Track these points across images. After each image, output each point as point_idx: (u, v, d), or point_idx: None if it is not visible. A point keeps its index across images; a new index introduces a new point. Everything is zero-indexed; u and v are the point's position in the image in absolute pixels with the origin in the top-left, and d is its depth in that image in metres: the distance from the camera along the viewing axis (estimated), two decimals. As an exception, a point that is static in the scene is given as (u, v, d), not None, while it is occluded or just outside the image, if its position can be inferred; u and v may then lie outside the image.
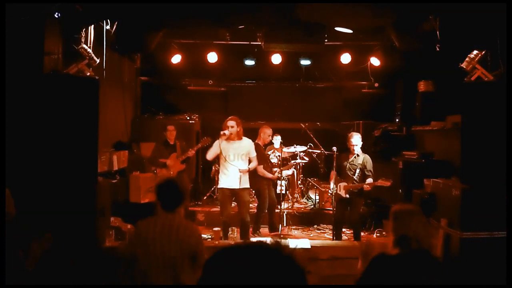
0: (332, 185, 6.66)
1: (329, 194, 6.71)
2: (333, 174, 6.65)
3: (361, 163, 6.44)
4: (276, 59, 9.07)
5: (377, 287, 2.70)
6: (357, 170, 6.43)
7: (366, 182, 6.31)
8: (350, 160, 6.49)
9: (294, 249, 1.17)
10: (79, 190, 4.86)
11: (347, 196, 6.46)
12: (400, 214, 2.88)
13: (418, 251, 2.73)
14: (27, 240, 3.58)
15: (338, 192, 6.55)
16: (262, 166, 7.11)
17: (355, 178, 6.44)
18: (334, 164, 6.65)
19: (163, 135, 7.42)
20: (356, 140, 6.44)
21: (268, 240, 1.17)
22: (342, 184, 6.47)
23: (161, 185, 3.37)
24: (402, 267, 2.68)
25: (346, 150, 6.64)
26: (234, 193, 6.30)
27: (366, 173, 6.41)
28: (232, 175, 6.19)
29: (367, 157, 6.53)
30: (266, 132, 7.39)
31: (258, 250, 1.12)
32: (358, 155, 6.47)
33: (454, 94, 6.14)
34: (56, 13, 4.88)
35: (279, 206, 7.21)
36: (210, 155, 6.42)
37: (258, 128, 7.70)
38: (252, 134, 7.95)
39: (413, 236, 2.75)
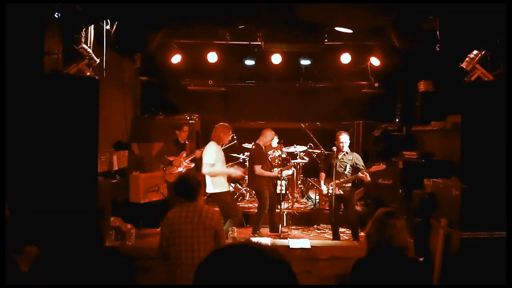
0: (323, 186, 6.84)
1: (329, 194, 6.74)
2: (322, 175, 6.92)
3: (351, 159, 6.70)
4: (276, 59, 9.06)
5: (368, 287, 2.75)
6: (348, 166, 6.67)
7: (360, 172, 6.54)
8: (339, 157, 6.69)
9: (276, 246, 1.21)
10: (79, 190, 4.86)
11: (341, 192, 6.65)
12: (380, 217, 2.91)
13: (391, 250, 2.77)
14: (22, 242, 3.58)
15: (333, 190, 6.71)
16: (260, 166, 7.12)
17: (346, 174, 6.65)
18: (321, 165, 7.01)
19: (167, 135, 7.57)
20: (344, 137, 6.70)
21: (247, 240, 1.20)
22: (334, 182, 6.62)
23: (178, 183, 4.01)
24: (378, 267, 2.75)
25: (330, 150, 7.00)
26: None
27: (360, 168, 6.66)
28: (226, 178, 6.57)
29: (356, 154, 6.89)
30: (269, 135, 7.40)
31: (242, 252, 1.14)
32: (347, 153, 6.73)
33: (454, 94, 6.14)
34: (56, 13, 4.88)
35: (279, 206, 7.21)
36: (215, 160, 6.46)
37: (258, 128, 7.71)
38: (252, 134, 7.97)
39: (389, 237, 2.78)
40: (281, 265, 1.13)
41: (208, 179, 6.35)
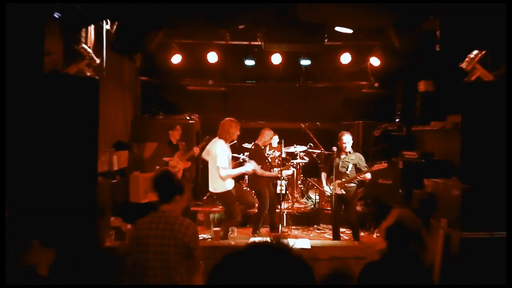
0: (325, 187, 6.83)
1: (329, 194, 6.75)
2: (324, 175, 6.95)
3: (354, 159, 6.70)
4: (276, 59, 9.07)
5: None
6: (350, 166, 6.67)
7: (362, 173, 6.57)
8: (342, 157, 6.70)
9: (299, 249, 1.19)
10: (79, 190, 4.86)
11: (343, 191, 6.62)
12: (408, 221, 2.81)
13: (406, 253, 2.72)
14: (20, 242, 3.58)
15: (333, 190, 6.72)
16: (260, 166, 7.11)
17: (348, 173, 6.65)
18: (322, 166, 7.05)
19: (166, 135, 7.55)
20: (347, 138, 6.69)
21: (273, 240, 1.18)
22: (336, 182, 6.62)
23: (156, 177, 3.49)
24: (392, 271, 2.68)
25: (330, 150, 7.02)
26: None
27: (362, 169, 6.64)
28: None
29: (359, 154, 6.89)
30: (268, 135, 7.40)
31: (267, 252, 1.13)
32: (350, 152, 6.73)
33: (454, 94, 6.14)
34: (56, 13, 4.87)
35: (279, 206, 7.21)
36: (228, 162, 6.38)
37: (258, 128, 7.71)
38: (252, 134, 7.97)
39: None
40: (304, 268, 1.12)
41: (211, 179, 6.30)
